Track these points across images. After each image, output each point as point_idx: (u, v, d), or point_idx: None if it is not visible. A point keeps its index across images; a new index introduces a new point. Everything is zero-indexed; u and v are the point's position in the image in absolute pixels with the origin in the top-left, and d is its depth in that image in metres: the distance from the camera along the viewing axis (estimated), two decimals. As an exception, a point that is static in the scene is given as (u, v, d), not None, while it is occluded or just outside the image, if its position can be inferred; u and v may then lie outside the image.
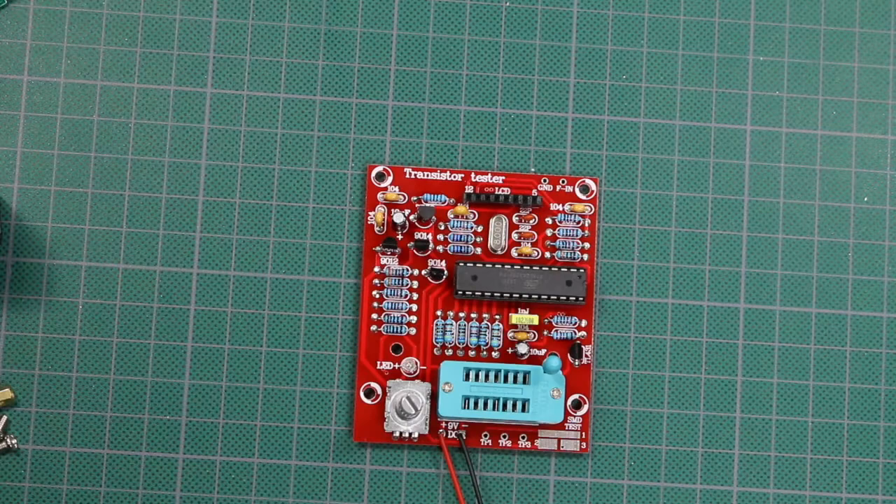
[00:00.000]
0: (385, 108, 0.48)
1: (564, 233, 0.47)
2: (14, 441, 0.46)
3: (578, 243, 0.47)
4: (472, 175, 0.47)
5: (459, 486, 0.46)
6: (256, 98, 0.48)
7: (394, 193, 0.47)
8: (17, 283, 0.47)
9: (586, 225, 0.47)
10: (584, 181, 0.47)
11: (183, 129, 0.48)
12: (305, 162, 0.48)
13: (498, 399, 0.45)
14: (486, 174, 0.47)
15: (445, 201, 0.47)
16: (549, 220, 0.47)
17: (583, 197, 0.47)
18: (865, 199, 0.49)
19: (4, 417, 0.46)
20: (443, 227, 0.47)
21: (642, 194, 0.48)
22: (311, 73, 0.48)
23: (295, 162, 0.48)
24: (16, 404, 0.46)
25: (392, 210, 0.47)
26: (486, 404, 0.45)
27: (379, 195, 0.47)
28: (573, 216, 0.47)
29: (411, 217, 0.47)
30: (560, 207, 0.47)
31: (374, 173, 0.47)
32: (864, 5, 0.50)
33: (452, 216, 0.47)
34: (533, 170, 0.48)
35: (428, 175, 0.47)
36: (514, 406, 0.45)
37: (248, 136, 0.48)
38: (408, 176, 0.47)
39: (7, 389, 0.46)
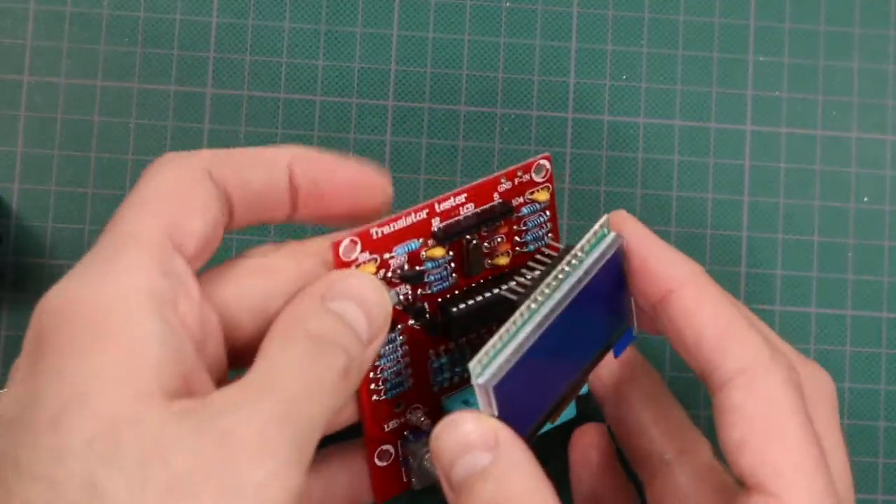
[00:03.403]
0: (385, 108, 0.48)
1: (533, 224, 0.42)
2: (14, 441, 0.46)
3: (545, 235, 0.42)
4: (436, 205, 0.40)
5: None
6: (256, 98, 0.48)
7: (369, 265, 0.39)
8: (17, 283, 0.47)
9: (547, 216, 0.42)
10: (538, 163, 0.41)
11: (183, 129, 0.48)
12: (305, 162, 0.48)
13: None
14: (449, 199, 0.40)
15: (417, 246, 0.40)
16: (515, 216, 0.41)
17: (538, 179, 0.41)
18: (865, 199, 0.49)
19: (5, 417, 0.46)
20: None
21: (642, 194, 0.48)
22: (311, 73, 0.48)
23: (295, 162, 0.48)
24: (16, 404, 0.46)
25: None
26: None
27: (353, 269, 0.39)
28: (533, 205, 0.42)
29: (401, 294, 0.40)
30: (522, 200, 0.41)
31: (341, 248, 0.38)
32: (863, 5, 0.50)
33: (426, 257, 0.41)
34: (533, 170, 0.48)
35: (393, 226, 0.39)
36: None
37: (248, 136, 0.48)
38: (375, 237, 0.39)
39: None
